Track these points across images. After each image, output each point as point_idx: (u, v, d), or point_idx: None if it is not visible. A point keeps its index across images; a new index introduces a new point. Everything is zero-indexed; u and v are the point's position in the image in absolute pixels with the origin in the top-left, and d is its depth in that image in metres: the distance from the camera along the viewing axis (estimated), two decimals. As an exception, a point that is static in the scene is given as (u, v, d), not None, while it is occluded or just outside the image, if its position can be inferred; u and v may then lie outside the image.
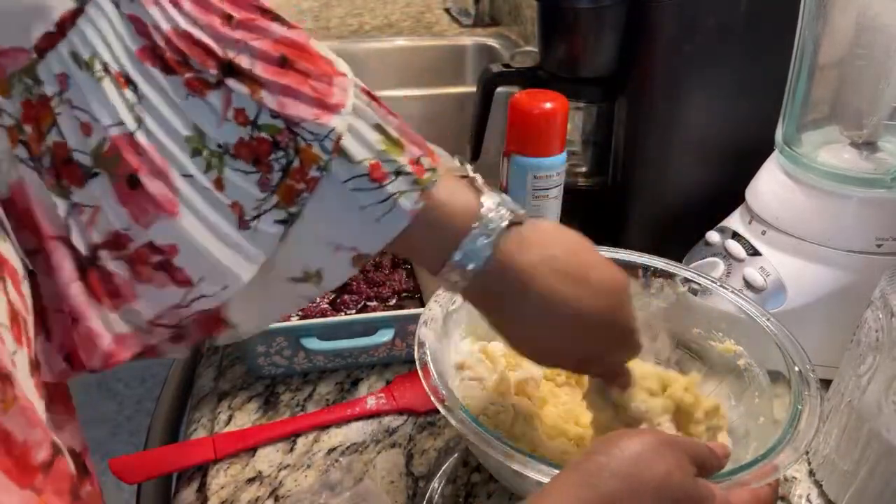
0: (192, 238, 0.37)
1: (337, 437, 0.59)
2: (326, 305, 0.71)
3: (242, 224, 0.38)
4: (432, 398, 0.46)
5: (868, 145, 0.61)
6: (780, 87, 0.63)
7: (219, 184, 0.37)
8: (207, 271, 0.38)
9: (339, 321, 0.64)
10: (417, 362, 0.49)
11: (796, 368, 0.50)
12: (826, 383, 0.51)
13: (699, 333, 0.58)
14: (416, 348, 0.50)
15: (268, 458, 0.57)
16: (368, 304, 0.71)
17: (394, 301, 0.72)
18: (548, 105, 0.66)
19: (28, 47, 0.33)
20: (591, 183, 0.83)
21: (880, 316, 0.48)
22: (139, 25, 0.35)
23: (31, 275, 0.36)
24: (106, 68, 0.35)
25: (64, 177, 0.35)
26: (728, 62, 0.68)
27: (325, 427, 0.60)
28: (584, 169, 0.83)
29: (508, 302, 0.43)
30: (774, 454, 0.43)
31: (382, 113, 0.41)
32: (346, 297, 0.71)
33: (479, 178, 0.44)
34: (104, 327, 0.37)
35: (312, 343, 0.62)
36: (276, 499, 0.54)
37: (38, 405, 0.29)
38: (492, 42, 1.52)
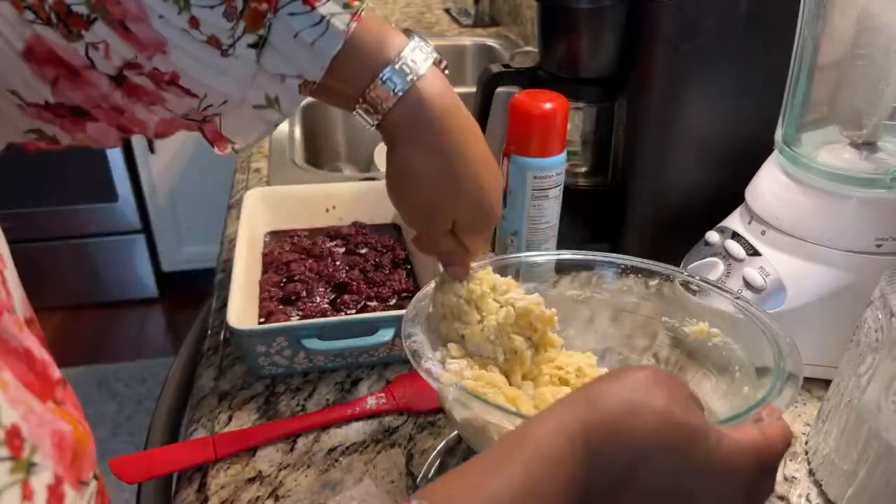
0: (186, 68, 0.44)
1: (337, 437, 0.60)
2: (326, 305, 0.71)
3: (223, 54, 0.44)
4: (425, 377, 0.46)
5: (868, 145, 0.61)
6: (780, 87, 0.63)
7: (193, 22, 0.42)
8: (208, 90, 0.46)
9: (339, 321, 0.64)
10: (407, 351, 0.48)
11: (784, 366, 0.49)
12: (826, 383, 0.51)
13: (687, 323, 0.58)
14: (403, 340, 0.49)
15: (268, 458, 0.57)
16: (368, 304, 0.71)
17: (394, 301, 0.72)
18: (548, 105, 0.66)
19: None
20: (591, 183, 0.83)
21: (880, 316, 0.48)
22: None
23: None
24: None
25: (72, 25, 0.41)
26: (728, 62, 0.68)
27: (325, 427, 0.60)
28: (584, 169, 0.83)
29: (418, 136, 0.47)
30: (772, 396, 0.43)
31: None
32: (346, 297, 0.71)
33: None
34: (149, 114, 0.47)
35: (312, 343, 0.62)
36: (276, 499, 0.54)
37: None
38: (492, 42, 1.52)
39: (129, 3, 0.41)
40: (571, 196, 0.73)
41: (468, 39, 1.55)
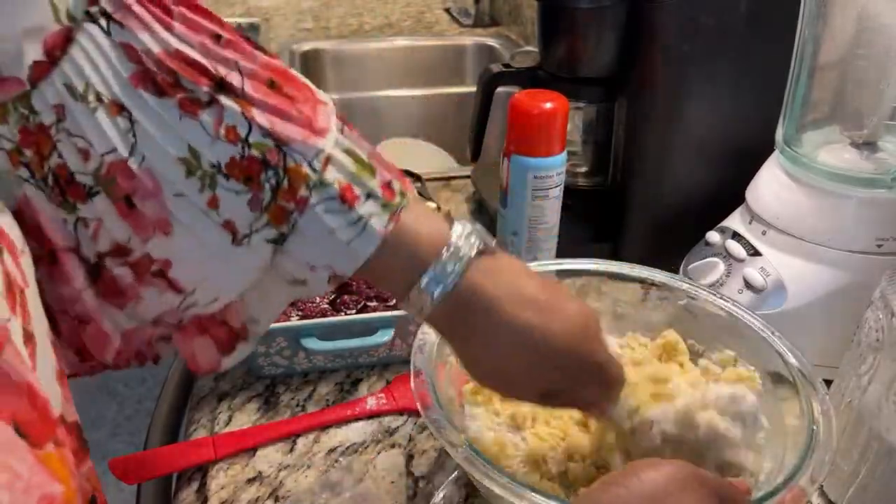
0: (184, 254, 0.39)
1: (337, 437, 0.59)
2: (326, 305, 0.71)
3: (236, 241, 0.39)
4: (430, 427, 0.45)
5: (868, 145, 0.61)
6: (780, 87, 0.63)
7: (213, 202, 0.38)
8: (200, 283, 0.40)
9: (339, 321, 0.64)
10: (415, 393, 0.46)
11: (798, 370, 0.49)
12: (826, 383, 0.51)
13: (701, 343, 0.58)
14: (412, 377, 0.47)
15: (268, 459, 0.57)
16: (368, 304, 0.71)
17: (394, 301, 0.72)
18: (548, 105, 0.66)
19: (22, 77, 0.34)
20: (591, 183, 0.83)
21: (881, 316, 0.48)
22: (130, 52, 0.36)
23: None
24: (99, 97, 0.36)
25: (69, 194, 0.37)
26: (728, 62, 0.68)
27: (325, 427, 0.60)
28: (584, 169, 0.83)
29: (473, 328, 0.42)
30: (800, 475, 0.42)
31: (354, 137, 0.42)
32: (346, 297, 0.71)
33: (449, 212, 0.45)
34: (113, 328, 0.40)
35: (312, 343, 0.62)
36: (276, 499, 0.54)
37: (45, 371, 0.29)
38: (492, 42, 1.52)
39: (144, 177, 0.37)
40: (571, 196, 0.73)
41: (468, 39, 1.55)
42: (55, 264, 0.38)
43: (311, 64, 1.45)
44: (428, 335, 0.51)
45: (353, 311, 0.70)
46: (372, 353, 0.65)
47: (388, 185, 0.41)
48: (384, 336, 0.63)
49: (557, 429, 0.52)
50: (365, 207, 0.40)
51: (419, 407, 0.46)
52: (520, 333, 0.42)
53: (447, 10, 1.75)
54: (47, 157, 0.36)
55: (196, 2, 0.39)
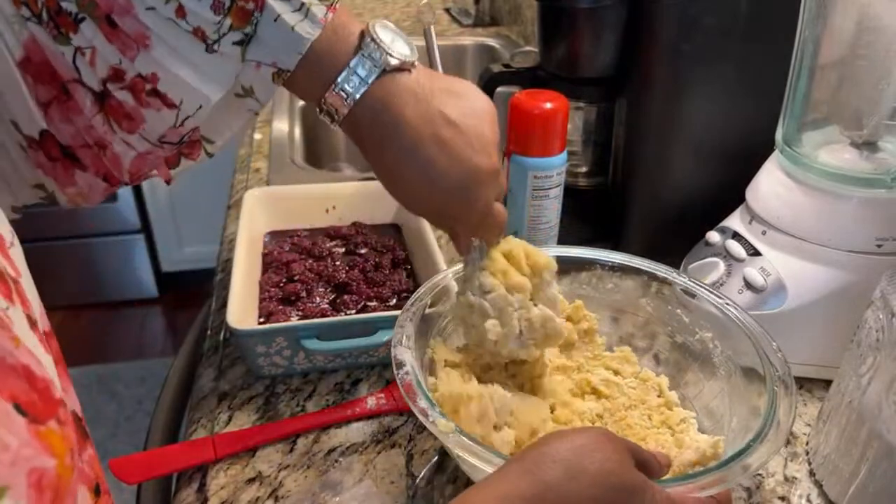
0: (166, 66, 0.44)
1: (337, 437, 0.59)
2: (326, 305, 0.71)
3: (209, 49, 0.44)
4: (421, 419, 0.45)
5: (868, 145, 0.61)
6: (780, 87, 0.63)
7: (180, 11, 0.43)
8: (185, 94, 0.45)
9: (339, 321, 0.64)
10: (400, 384, 0.47)
11: (775, 372, 0.49)
12: (826, 383, 0.51)
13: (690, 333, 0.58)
14: (394, 368, 0.48)
15: (268, 459, 0.57)
16: (368, 304, 0.71)
17: (394, 301, 0.72)
18: (548, 105, 0.66)
19: None
20: (591, 183, 0.83)
21: (881, 316, 0.48)
22: None
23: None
24: None
25: (61, 25, 0.42)
26: (728, 62, 0.68)
27: (325, 427, 0.60)
28: (584, 169, 0.83)
29: (382, 143, 0.47)
30: (724, 469, 0.42)
31: None
32: (346, 297, 0.71)
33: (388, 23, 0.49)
34: (126, 148, 0.47)
35: (312, 343, 0.62)
36: (276, 499, 0.54)
37: (46, 360, 0.29)
38: (492, 42, 1.52)
39: None
40: (571, 196, 0.73)
41: (468, 39, 1.55)
42: (69, 98, 0.45)
43: (311, 64, 1.45)
44: (405, 328, 0.51)
45: (353, 311, 0.70)
46: (372, 353, 0.65)
47: None
48: (384, 336, 0.63)
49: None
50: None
51: (405, 397, 0.46)
52: (421, 165, 0.47)
53: (447, 11, 1.75)
54: None
55: None
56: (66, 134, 0.47)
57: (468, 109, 0.48)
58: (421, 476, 0.56)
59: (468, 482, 0.55)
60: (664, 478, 0.42)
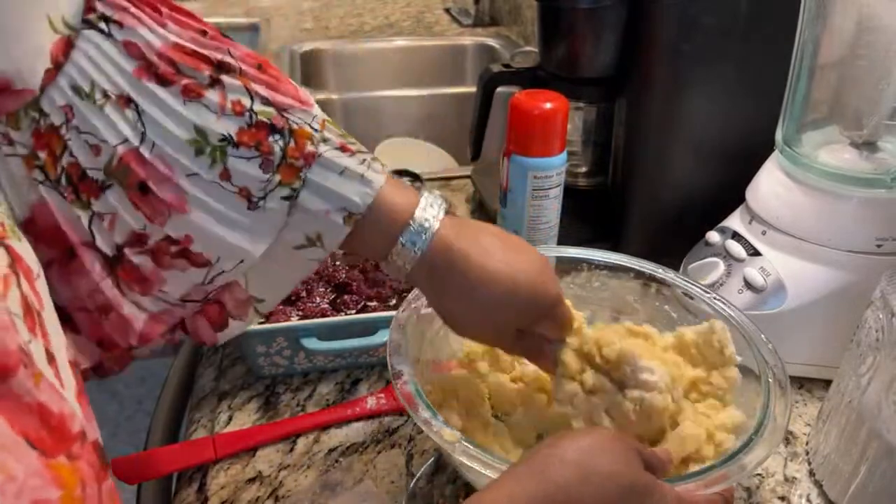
0: (203, 228, 0.42)
1: (337, 437, 0.59)
2: (326, 305, 0.71)
3: (251, 206, 0.43)
4: (425, 429, 0.45)
5: (868, 145, 0.61)
6: (780, 87, 0.63)
7: (224, 175, 0.41)
8: (223, 252, 0.43)
9: (339, 321, 0.64)
10: (400, 394, 0.47)
11: (770, 371, 0.49)
12: (826, 383, 0.51)
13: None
14: (393, 379, 0.48)
15: (268, 458, 0.57)
16: (368, 304, 0.71)
17: (394, 301, 0.72)
18: (548, 105, 0.66)
19: (34, 87, 0.37)
20: (591, 183, 0.83)
21: (880, 316, 0.48)
22: (132, 48, 0.39)
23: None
24: (105, 94, 0.39)
25: (82, 191, 0.39)
26: (728, 62, 0.68)
27: (325, 427, 0.60)
28: (584, 169, 0.83)
29: (449, 281, 0.46)
30: (726, 466, 0.43)
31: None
32: (346, 297, 0.71)
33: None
34: (137, 311, 0.43)
35: (312, 343, 0.62)
36: (276, 499, 0.54)
37: (67, 391, 0.29)
38: (492, 42, 1.52)
39: (157, 163, 0.40)
40: (571, 196, 0.73)
41: (468, 39, 1.55)
42: (73, 260, 0.41)
43: (311, 64, 1.45)
44: (400, 336, 0.51)
45: (353, 311, 0.70)
46: (372, 353, 0.65)
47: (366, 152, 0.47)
48: (384, 336, 0.63)
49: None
50: (363, 155, 0.45)
51: (406, 408, 0.46)
52: (490, 279, 0.46)
53: (447, 11, 1.76)
54: (59, 157, 0.38)
55: (176, 4, 0.42)
56: (62, 297, 0.41)
57: (504, 235, 0.50)
58: (420, 475, 0.56)
59: (467, 482, 0.55)
60: (668, 477, 0.42)
